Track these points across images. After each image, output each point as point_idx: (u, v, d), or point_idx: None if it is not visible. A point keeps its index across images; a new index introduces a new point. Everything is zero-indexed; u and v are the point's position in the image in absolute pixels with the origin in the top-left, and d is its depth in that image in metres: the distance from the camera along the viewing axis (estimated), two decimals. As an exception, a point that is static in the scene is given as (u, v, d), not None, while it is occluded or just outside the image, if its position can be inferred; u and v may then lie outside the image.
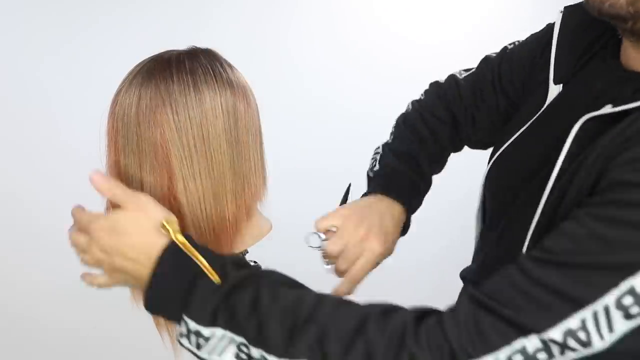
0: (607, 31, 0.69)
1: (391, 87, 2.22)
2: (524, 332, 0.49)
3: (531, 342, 0.49)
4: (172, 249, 0.61)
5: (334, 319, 0.55)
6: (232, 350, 0.56)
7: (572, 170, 0.59)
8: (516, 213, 0.69)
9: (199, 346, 0.58)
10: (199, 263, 0.59)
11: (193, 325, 0.57)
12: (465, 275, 0.89)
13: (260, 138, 0.77)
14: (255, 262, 0.79)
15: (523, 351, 0.49)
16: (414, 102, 0.97)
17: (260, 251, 0.81)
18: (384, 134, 0.97)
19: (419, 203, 0.90)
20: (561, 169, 0.61)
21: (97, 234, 0.64)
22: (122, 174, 0.73)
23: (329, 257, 0.80)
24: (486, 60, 0.91)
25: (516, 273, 0.52)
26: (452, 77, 0.94)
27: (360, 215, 0.80)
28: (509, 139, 0.76)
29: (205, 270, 0.59)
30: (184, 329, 0.58)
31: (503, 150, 0.76)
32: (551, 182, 0.61)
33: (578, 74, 0.70)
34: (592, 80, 0.67)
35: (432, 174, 0.93)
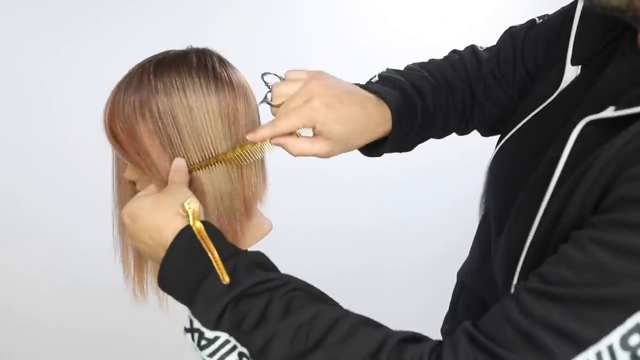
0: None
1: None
2: None
3: None
4: (188, 233, 0.58)
5: (347, 347, 0.50)
6: (233, 358, 0.53)
7: (573, 181, 0.53)
8: (517, 209, 0.64)
9: (200, 345, 0.55)
10: (210, 257, 0.56)
11: (197, 324, 0.55)
12: (461, 273, 0.88)
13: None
14: None
15: None
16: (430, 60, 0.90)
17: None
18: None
19: (410, 121, 0.78)
20: (561, 176, 0.56)
21: (123, 221, 0.64)
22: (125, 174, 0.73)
23: (274, 99, 0.70)
24: (510, 32, 0.84)
25: (514, 308, 0.48)
26: (471, 47, 0.88)
27: (330, 80, 0.70)
28: (518, 123, 0.71)
29: (216, 267, 0.55)
30: (188, 324, 0.56)
31: (511, 135, 0.72)
32: (551, 187, 0.56)
33: (597, 57, 0.64)
34: (606, 69, 0.61)
35: (434, 114, 0.82)
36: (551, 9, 0.81)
